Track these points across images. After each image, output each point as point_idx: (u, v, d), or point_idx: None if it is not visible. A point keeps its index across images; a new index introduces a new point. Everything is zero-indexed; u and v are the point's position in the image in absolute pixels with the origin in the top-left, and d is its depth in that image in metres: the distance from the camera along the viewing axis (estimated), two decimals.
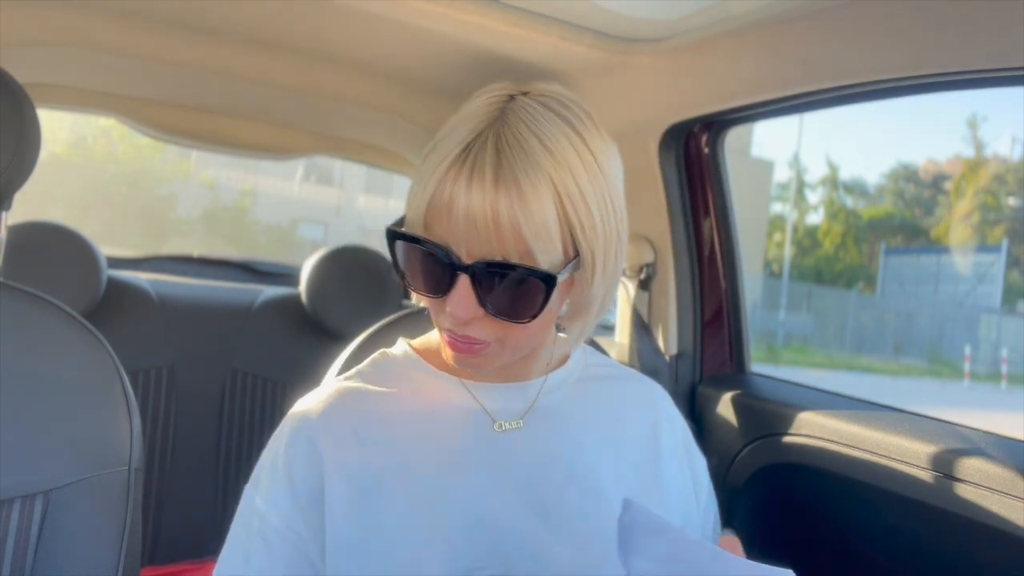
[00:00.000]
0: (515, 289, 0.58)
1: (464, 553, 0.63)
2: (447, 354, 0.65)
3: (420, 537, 0.63)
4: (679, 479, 0.76)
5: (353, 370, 0.73)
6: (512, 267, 0.57)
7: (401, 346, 0.75)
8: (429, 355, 0.73)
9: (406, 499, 0.64)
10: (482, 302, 0.59)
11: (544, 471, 0.68)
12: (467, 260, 0.58)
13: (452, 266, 0.58)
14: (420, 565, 0.62)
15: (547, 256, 0.58)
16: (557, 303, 0.62)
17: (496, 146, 0.58)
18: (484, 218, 0.56)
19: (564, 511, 0.67)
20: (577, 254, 0.60)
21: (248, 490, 0.67)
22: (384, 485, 0.64)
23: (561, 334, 0.72)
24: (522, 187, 0.56)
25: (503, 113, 0.60)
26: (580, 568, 0.65)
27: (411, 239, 0.61)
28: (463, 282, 0.59)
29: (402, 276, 0.64)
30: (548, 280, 0.58)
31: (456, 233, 0.58)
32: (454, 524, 0.64)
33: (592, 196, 0.60)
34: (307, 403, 0.69)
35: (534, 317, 0.59)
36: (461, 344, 0.62)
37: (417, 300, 0.67)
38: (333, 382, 0.71)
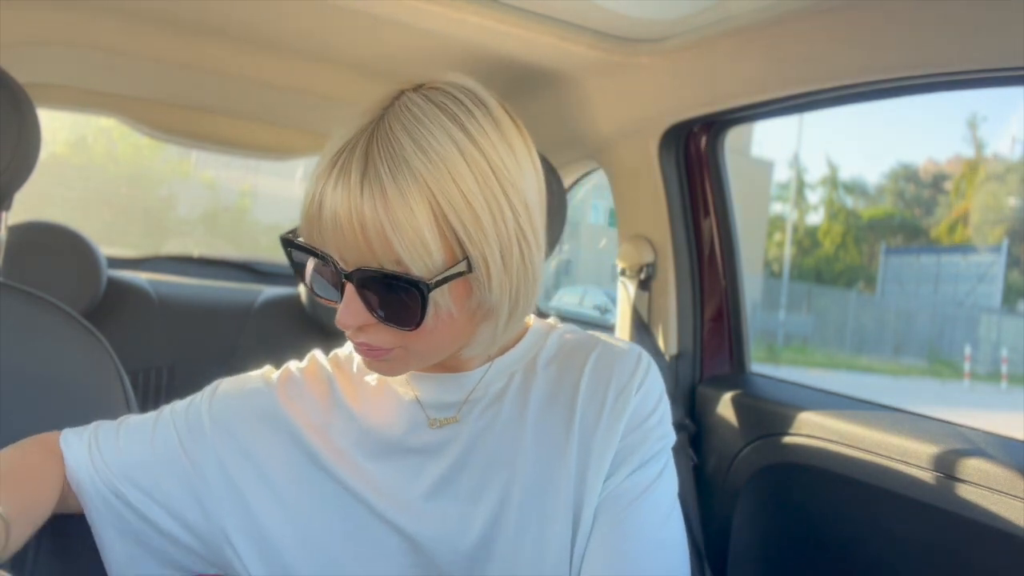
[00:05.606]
0: (395, 297, 0.56)
1: (380, 537, 0.66)
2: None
3: (340, 514, 0.66)
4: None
5: (332, 352, 0.77)
6: (383, 274, 0.55)
7: None
8: None
9: (331, 479, 0.67)
10: (371, 309, 0.57)
11: (476, 460, 0.67)
12: (347, 268, 0.56)
13: (337, 273, 0.57)
14: (330, 543, 0.65)
15: (422, 263, 0.54)
16: (450, 307, 0.58)
17: (366, 149, 0.55)
18: (350, 225, 0.54)
19: (492, 501, 0.66)
20: (467, 258, 0.56)
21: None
22: (316, 463, 0.68)
23: (538, 320, 0.73)
24: (387, 192, 0.53)
25: (384, 113, 0.57)
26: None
27: (299, 247, 0.59)
28: (349, 290, 0.57)
29: (303, 282, 0.63)
30: (420, 287, 0.55)
31: (329, 240, 0.56)
32: (377, 507, 0.66)
33: (478, 198, 0.55)
34: (291, 366, 0.74)
35: (418, 325, 0.57)
36: (364, 350, 0.62)
37: None
38: (313, 353, 0.76)
